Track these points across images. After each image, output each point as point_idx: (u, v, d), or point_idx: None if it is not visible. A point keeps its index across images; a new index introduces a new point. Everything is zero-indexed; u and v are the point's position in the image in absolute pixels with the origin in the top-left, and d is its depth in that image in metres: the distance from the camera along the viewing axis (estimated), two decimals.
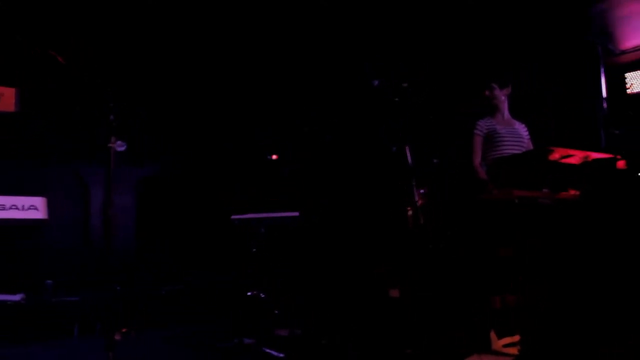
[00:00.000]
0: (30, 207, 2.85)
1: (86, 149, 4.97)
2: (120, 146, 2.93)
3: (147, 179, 5.42)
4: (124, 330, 2.82)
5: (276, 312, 3.89)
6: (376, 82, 3.43)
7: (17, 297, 3.74)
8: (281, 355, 3.41)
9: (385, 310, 3.62)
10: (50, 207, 3.56)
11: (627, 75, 4.96)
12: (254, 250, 4.01)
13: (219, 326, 4.34)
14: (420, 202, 3.42)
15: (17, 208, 2.81)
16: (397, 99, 3.21)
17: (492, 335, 2.83)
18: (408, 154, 3.07)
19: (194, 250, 5.49)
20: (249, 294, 3.94)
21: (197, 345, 3.93)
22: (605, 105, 4.85)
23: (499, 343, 2.86)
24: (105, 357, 2.63)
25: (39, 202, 2.87)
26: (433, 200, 3.93)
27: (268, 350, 3.52)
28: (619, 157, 2.58)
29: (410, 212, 3.72)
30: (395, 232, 4.03)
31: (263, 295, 3.87)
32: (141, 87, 5.50)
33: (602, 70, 4.93)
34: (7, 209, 2.71)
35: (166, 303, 4.42)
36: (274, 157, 4.96)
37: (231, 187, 5.64)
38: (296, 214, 3.77)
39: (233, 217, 4.19)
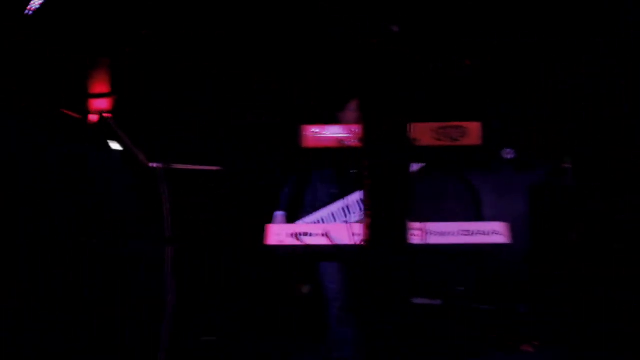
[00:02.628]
0: (493, 232, 2.42)
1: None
2: (508, 154, 3.06)
3: (537, 185, 4.93)
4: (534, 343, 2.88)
5: None
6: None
7: (437, 302, 3.95)
8: None
9: None
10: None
11: None
12: None
13: None
14: None
15: (482, 233, 2.42)
16: None
17: None
18: None
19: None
20: None
21: None
22: None
23: None
24: None
25: (501, 226, 2.43)
26: None
27: None
28: None
29: None
30: None
31: None
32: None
33: None
34: (473, 235, 2.46)
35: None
36: None
37: None
38: None
39: None
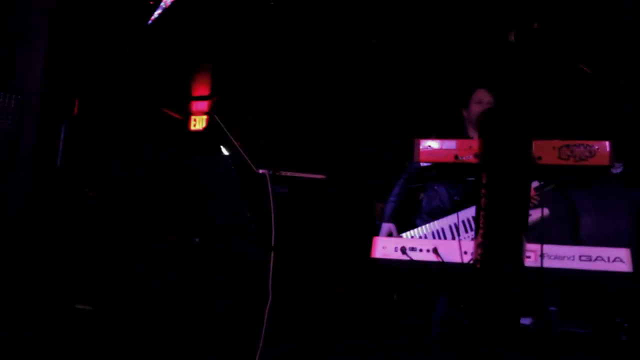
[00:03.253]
0: (616, 259, 2.40)
1: None
2: (617, 168, 2.93)
3: None
4: None
5: None
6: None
7: (526, 321, 3.74)
8: None
9: None
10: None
11: None
12: None
13: None
14: None
15: (602, 260, 2.40)
16: None
17: None
18: None
19: None
20: None
21: None
22: None
23: None
24: None
25: (624, 253, 2.39)
26: None
27: None
28: None
29: None
30: None
31: None
32: None
33: None
34: (593, 260, 2.44)
35: None
36: None
37: None
38: None
39: None
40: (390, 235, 3.30)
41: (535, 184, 2.95)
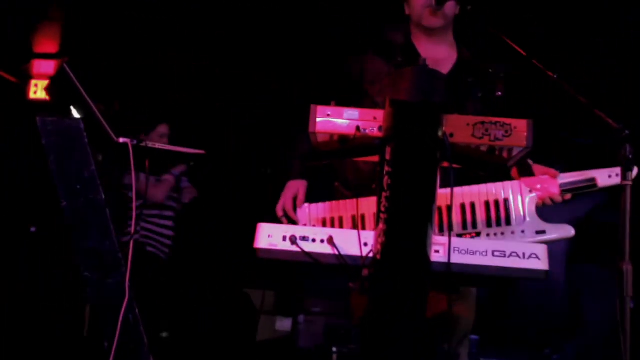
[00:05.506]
0: (531, 256, 2.55)
1: None
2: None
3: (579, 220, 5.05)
4: None
5: None
6: None
7: None
8: None
9: None
10: None
11: None
12: None
13: None
14: None
15: (517, 256, 2.54)
16: None
17: None
18: None
19: None
20: None
21: None
22: None
23: None
24: None
25: (540, 249, 2.52)
26: None
27: None
28: None
29: None
30: None
31: None
32: None
33: None
34: (507, 257, 2.56)
35: None
36: None
37: None
38: None
39: None
40: (295, 198, 3.11)
41: (563, 178, 2.96)
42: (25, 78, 6.51)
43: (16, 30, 6.03)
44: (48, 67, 6.55)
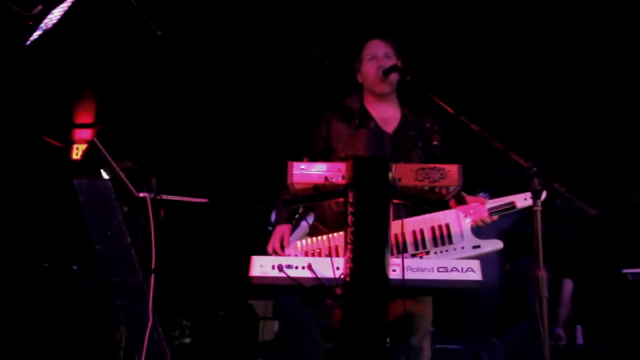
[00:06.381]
0: (468, 269, 2.55)
1: None
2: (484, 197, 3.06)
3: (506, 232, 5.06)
4: None
5: None
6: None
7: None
8: None
9: None
10: None
11: None
12: None
13: None
14: None
15: (457, 270, 2.55)
16: None
17: None
18: None
19: None
20: None
21: None
22: None
23: None
24: None
25: (475, 264, 2.55)
26: None
27: None
28: None
29: None
30: None
31: None
32: None
33: None
34: (449, 271, 2.63)
35: None
36: None
37: None
38: None
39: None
40: (282, 240, 3.10)
41: (490, 204, 3.01)
42: (69, 143, 6.54)
43: (58, 107, 6.06)
44: (86, 134, 6.59)
